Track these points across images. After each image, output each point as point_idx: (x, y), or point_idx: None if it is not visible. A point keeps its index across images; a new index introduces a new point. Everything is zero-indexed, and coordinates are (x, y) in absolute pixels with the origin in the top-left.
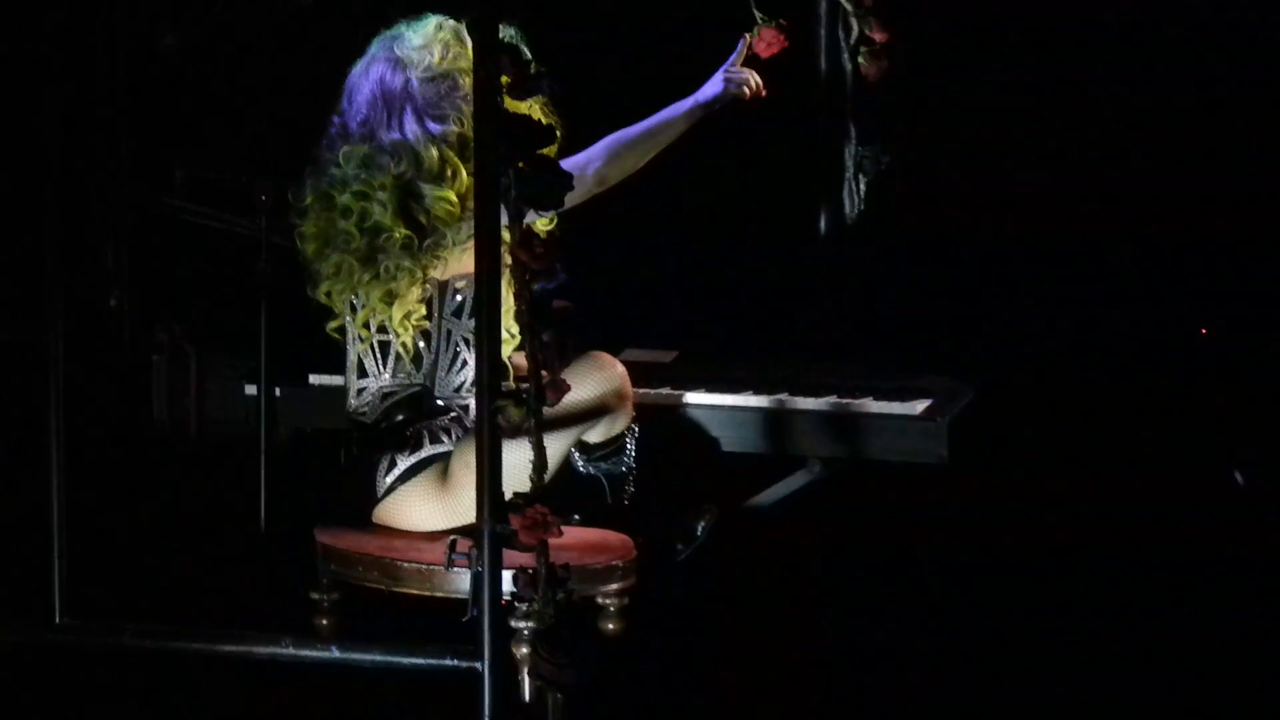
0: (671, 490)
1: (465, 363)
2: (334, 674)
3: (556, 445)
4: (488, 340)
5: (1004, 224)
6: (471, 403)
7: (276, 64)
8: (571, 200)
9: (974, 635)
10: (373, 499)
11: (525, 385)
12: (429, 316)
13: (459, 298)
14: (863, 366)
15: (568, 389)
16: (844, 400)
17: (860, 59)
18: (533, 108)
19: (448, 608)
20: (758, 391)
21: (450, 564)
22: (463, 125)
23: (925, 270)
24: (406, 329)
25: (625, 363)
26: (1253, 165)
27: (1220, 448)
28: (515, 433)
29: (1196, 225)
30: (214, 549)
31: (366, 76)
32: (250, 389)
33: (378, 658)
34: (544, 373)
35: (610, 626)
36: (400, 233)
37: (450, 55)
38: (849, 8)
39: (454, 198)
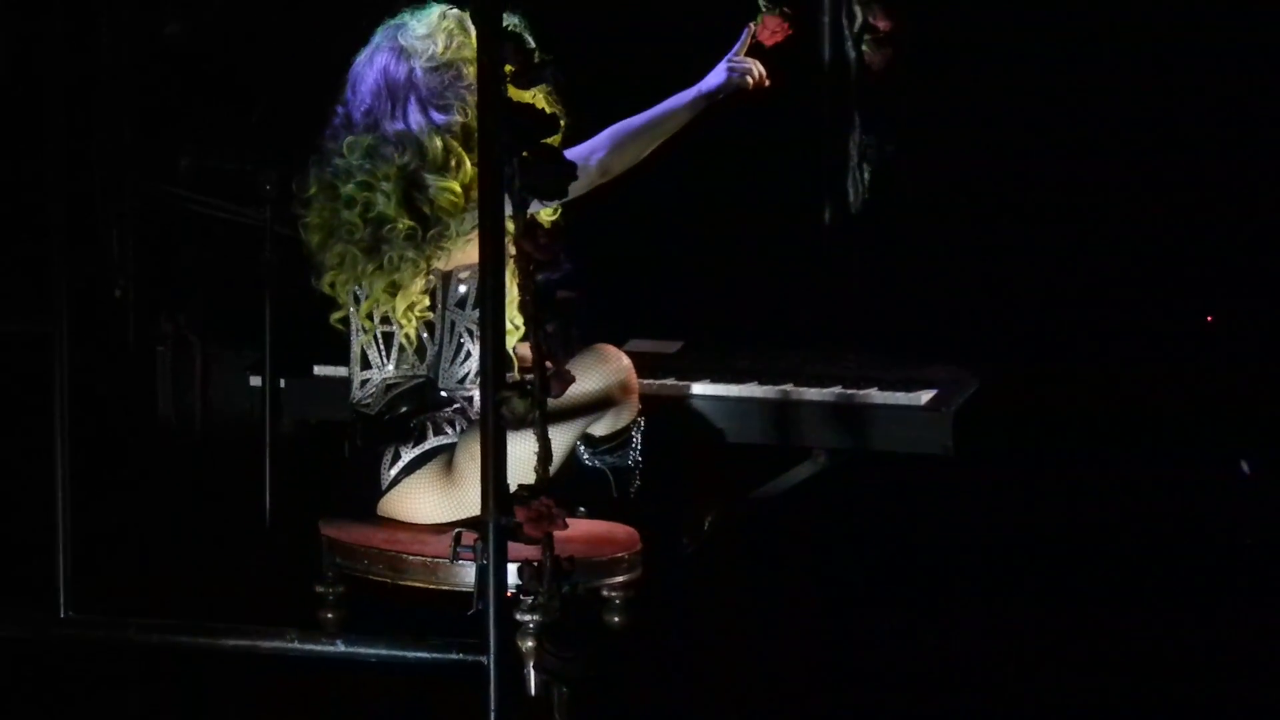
0: (678, 484)
1: (469, 354)
2: (339, 668)
3: (561, 438)
4: (491, 331)
5: (1009, 212)
6: (475, 394)
7: (281, 53)
8: (575, 190)
9: (979, 627)
10: (377, 491)
11: (530, 377)
12: (432, 308)
13: (462, 289)
14: (868, 357)
15: (572, 380)
16: (849, 391)
17: (864, 47)
18: (536, 96)
19: (453, 601)
20: (762, 382)
21: (455, 557)
22: (467, 115)
23: (930, 259)
24: (410, 320)
25: (629, 353)
26: (1260, 151)
27: (1227, 437)
28: (520, 424)
29: (1203, 212)
30: (218, 542)
31: (371, 66)
32: (255, 380)
33: (383, 651)
34: (548, 364)
35: (616, 619)
36: (404, 223)
37: (454, 44)
38: None
39: (458, 188)
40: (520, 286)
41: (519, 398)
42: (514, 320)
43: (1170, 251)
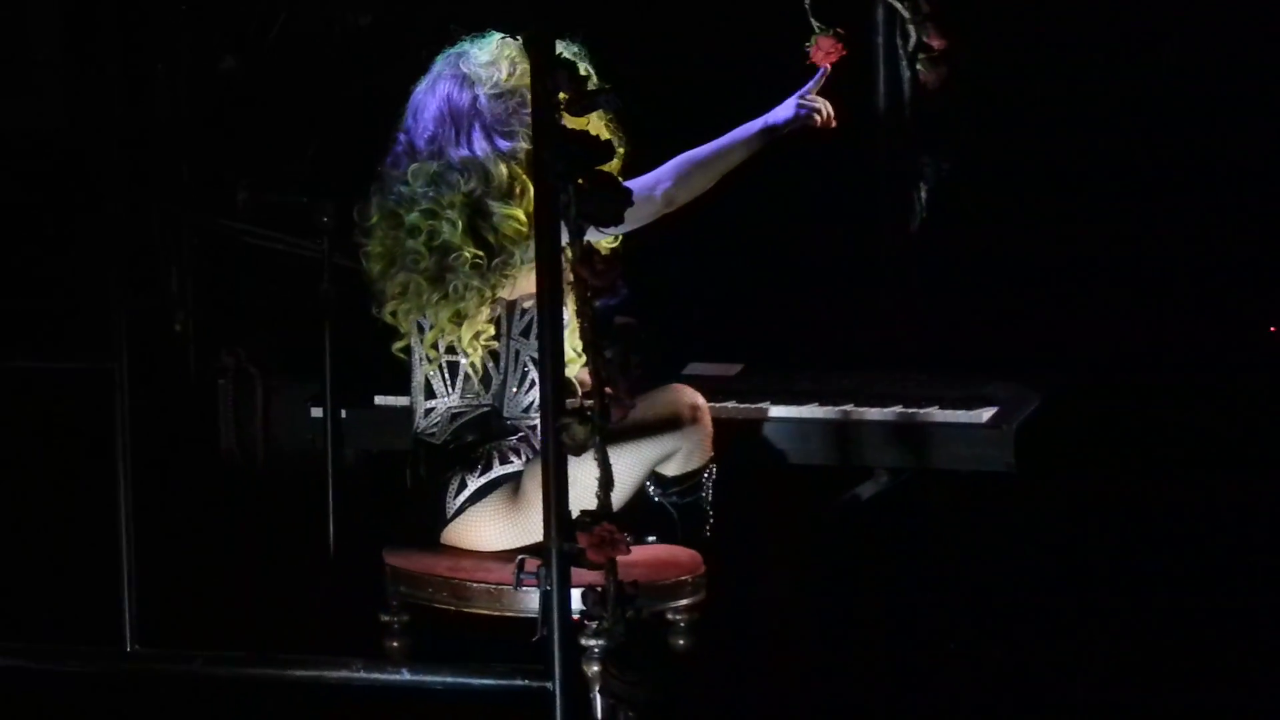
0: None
1: (534, 383)
2: (405, 697)
3: (628, 474)
4: (551, 358)
5: (1069, 227)
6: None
7: (336, 85)
8: (640, 220)
9: (1047, 643)
10: (441, 520)
11: (590, 402)
12: (497, 336)
13: (527, 317)
14: (928, 375)
15: (632, 406)
16: (909, 410)
17: (919, 66)
18: (592, 122)
19: (517, 627)
20: (823, 403)
21: (519, 583)
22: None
23: (989, 276)
24: (476, 349)
25: (690, 377)
26: None
27: None
28: (580, 450)
29: (1267, 223)
30: (283, 573)
31: (433, 94)
32: (316, 411)
33: (448, 679)
34: (608, 390)
35: (680, 643)
36: (470, 252)
37: (518, 71)
38: (906, 15)
39: (522, 216)
40: (578, 313)
41: (579, 424)
42: (575, 347)
43: (1233, 263)
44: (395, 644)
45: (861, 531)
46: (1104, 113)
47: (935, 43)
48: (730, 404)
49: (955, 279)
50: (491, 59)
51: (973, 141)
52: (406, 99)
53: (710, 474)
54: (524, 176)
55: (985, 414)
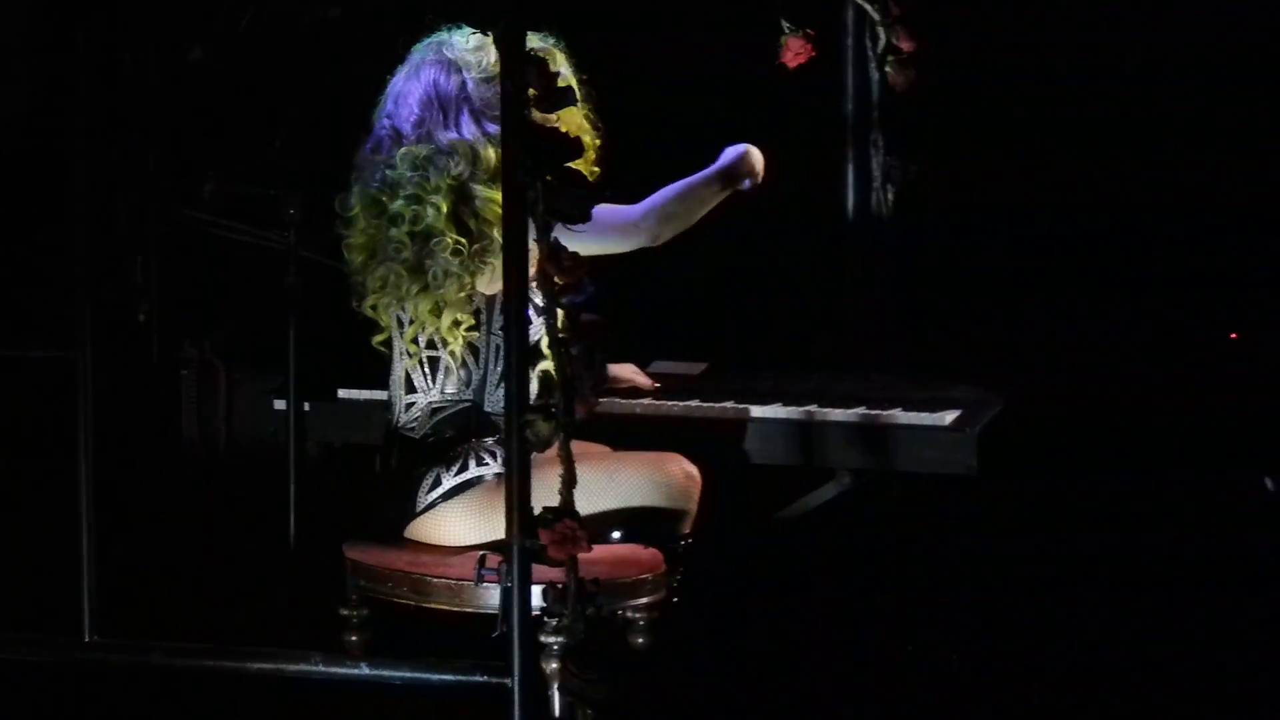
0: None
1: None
2: (364, 691)
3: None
4: (516, 354)
5: (1033, 231)
6: None
7: (304, 77)
8: (622, 248)
9: (1006, 646)
10: (410, 514)
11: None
12: (477, 329)
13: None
14: (891, 377)
15: (596, 404)
16: (873, 411)
17: (888, 68)
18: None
19: (478, 623)
20: (786, 403)
21: (480, 579)
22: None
23: (953, 279)
24: (456, 338)
25: (654, 375)
26: None
27: (1252, 454)
28: (544, 445)
29: (1230, 228)
30: (243, 565)
31: (417, 80)
32: (279, 404)
33: (407, 674)
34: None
35: (640, 641)
36: (451, 237)
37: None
38: (876, 17)
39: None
40: (544, 310)
41: (544, 420)
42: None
43: (1195, 269)
44: (355, 638)
45: (823, 532)
46: (1070, 116)
47: (905, 45)
48: (694, 403)
49: (920, 281)
50: (479, 44)
51: (940, 144)
52: (377, 90)
53: (686, 543)
54: None
55: (948, 416)
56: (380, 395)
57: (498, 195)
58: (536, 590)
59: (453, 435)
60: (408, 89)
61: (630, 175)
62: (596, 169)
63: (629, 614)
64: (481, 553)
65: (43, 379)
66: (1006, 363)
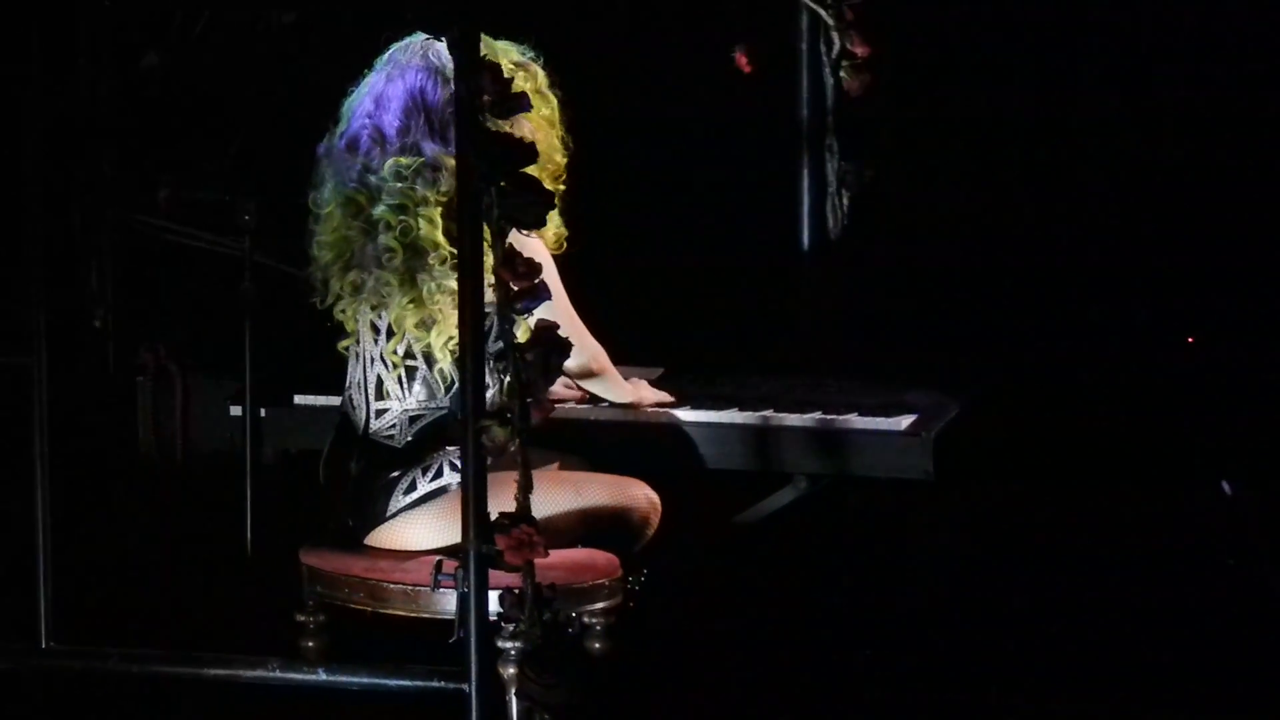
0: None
1: (488, 386)
2: (321, 696)
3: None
4: (471, 361)
5: (988, 236)
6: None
7: (259, 83)
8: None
9: (961, 649)
10: (378, 517)
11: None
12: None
13: (487, 320)
14: (848, 383)
15: (551, 409)
16: (829, 416)
17: (842, 73)
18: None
19: (434, 629)
20: (743, 408)
21: (436, 585)
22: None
23: (909, 285)
24: (446, 355)
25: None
26: (1240, 174)
27: (1208, 457)
28: (499, 451)
29: (1183, 235)
30: (199, 571)
31: (401, 83)
32: (235, 409)
33: (364, 680)
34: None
35: (597, 646)
36: (446, 250)
37: None
38: (831, 22)
39: None
40: (499, 316)
41: (499, 426)
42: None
43: (1150, 275)
44: (311, 644)
45: (780, 537)
46: (1025, 121)
47: (859, 50)
48: (650, 409)
49: (876, 287)
50: None
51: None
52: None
53: (641, 578)
54: None
55: (904, 421)
56: (337, 401)
57: None
58: (493, 595)
59: (432, 444)
60: (390, 91)
61: (580, 180)
62: (563, 187)
63: (586, 619)
64: (438, 558)
65: None
66: (963, 367)
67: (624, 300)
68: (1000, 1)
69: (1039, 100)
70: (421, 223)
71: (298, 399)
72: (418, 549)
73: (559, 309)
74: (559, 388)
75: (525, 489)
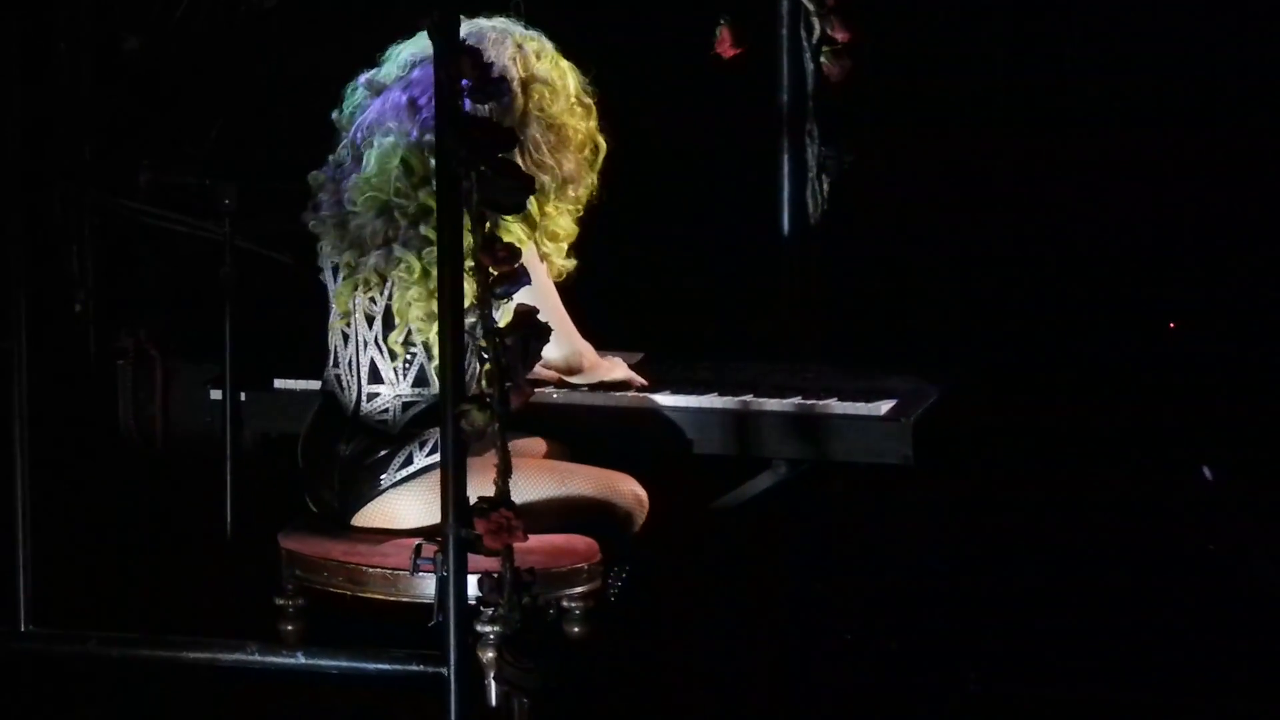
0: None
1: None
2: (300, 680)
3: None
4: (451, 345)
5: (969, 222)
6: None
7: (240, 67)
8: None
9: (940, 634)
10: (369, 494)
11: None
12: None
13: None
14: (827, 367)
15: (530, 394)
16: (809, 401)
17: (823, 58)
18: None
19: (413, 613)
20: (722, 393)
21: (415, 569)
22: (540, 151)
23: (889, 270)
24: None
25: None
26: (1220, 161)
27: (1189, 443)
28: (479, 435)
29: (1163, 220)
30: (179, 555)
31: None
32: (215, 393)
33: (343, 663)
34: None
35: (576, 630)
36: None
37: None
38: (811, 7)
39: (518, 231)
40: (479, 300)
41: (478, 410)
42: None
43: (1132, 259)
44: (290, 627)
45: (759, 522)
46: (1005, 106)
47: (839, 35)
48: (630, 392)
49: (856, 272)
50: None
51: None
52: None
53: (623, 571)
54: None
55: (884, 406)
56: (317, 385)
57: (512, 225)
58: (472, 580)
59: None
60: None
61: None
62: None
63: (565, 603)
64: (417, 542)
65: None
66: (943, 353)
67: (604, 284)
68: None
69: (1020, 85)
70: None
71: (277, 383)
72: (406, 526)
73: (549, 310)
74: (537, 369)
75: (504, 473)
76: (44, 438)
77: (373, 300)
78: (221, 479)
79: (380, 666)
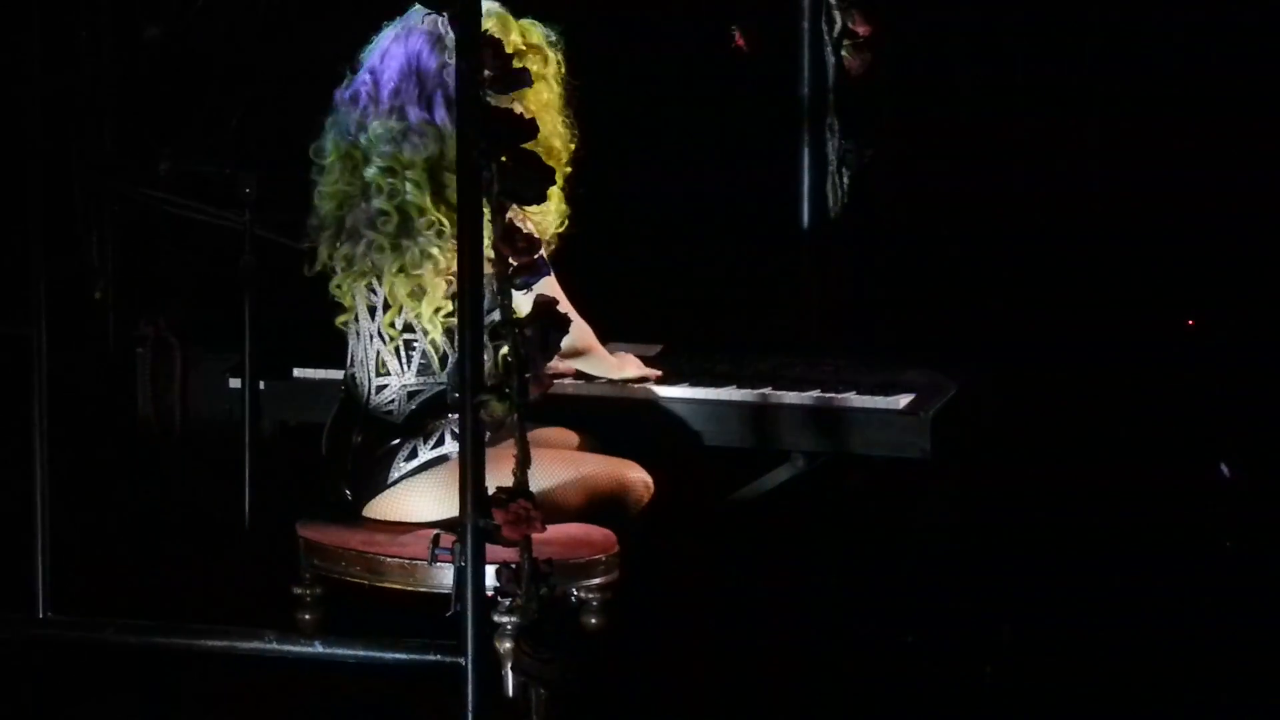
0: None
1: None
2: (317, 669)
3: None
4: (470, 335)
5: (988, 216)
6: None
7: (261, 55)
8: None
9: (957, 629)
10: (378, 487)
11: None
12: (453, 315)
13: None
14: (846, 361)
15: (550, 385)
16: (827, 395)
17: (843, 52)
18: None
19: (431, 603)
20: (741, 386)
21: (433, 559)
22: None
23: (908, 264)
24: (436, 326)
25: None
26: (1239, 156)
27: (1207, 439)
28: (498, 425)
29: (1182, 216)
30: (197, 543)
31: (404, 44)
32: (234, 382)
33: (361, 653)
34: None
35: (593, 621)
36: (433, 215)
37: None
38: (832, 1)
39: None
40: (499, 291)
41: (497, 401)
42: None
43: (1151, 255)
44: (308, 616)
45: (776, 515)
46: (1025, 100)
47: (860, 28)
48: (649, 384)
49: (875, 265)
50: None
51: (895, 128)
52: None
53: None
54: None
55: (902, 400)
56: (336, 375)
57: None
58: (490, 570)
59: (432, 416)
60: (394, 50)
61: (582, 157)
62: (569, 169)
63: (582, 594)
64: (435, 532)
65: None
66: (961, 347)
67: (624, 277)
68: None
69: (1040, 79)
70: (409, 186)
71: (296, 372)
72: (417, 520)
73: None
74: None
75: (524, 464)
76: (63, 425)
77: (372, 290)
78: (240, 468)
79: (398, 656)
